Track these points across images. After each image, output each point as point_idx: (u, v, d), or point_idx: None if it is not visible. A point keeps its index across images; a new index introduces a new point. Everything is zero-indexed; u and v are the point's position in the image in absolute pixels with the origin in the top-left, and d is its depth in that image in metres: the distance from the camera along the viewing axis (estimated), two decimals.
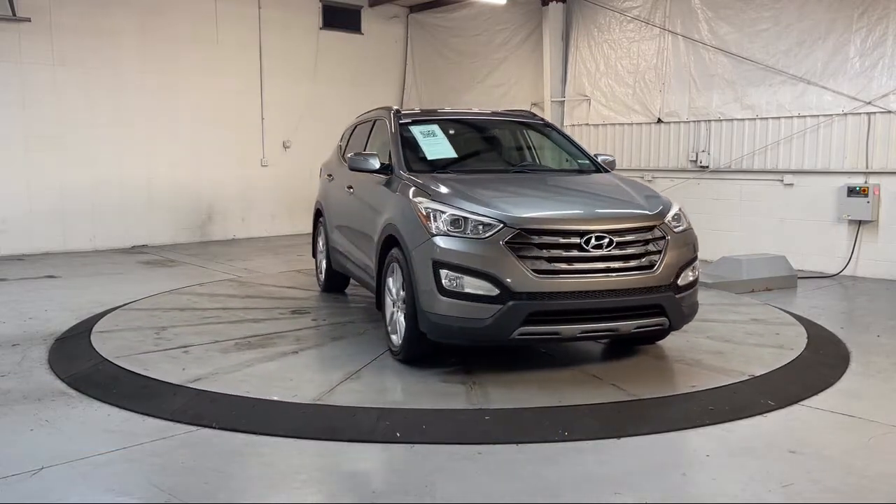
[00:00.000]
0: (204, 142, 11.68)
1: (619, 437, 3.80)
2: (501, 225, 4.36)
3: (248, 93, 12.18)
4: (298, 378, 4.59)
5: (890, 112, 8.38)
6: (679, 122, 10.28)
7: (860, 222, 8.65)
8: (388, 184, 5.39)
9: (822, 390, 4.54)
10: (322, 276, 7.45)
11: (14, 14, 9.76)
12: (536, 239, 4.36)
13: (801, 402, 4.32)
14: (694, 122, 10.11)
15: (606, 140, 11.16)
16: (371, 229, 5.47)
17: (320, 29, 12.97)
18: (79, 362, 5.03)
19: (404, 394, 4.46)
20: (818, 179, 9.00)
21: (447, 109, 7.04)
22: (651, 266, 4.52)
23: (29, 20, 9.92)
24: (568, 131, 11.56)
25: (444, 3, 13.28)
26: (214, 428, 3.87)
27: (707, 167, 9.99)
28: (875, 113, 8.49)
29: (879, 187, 8.50)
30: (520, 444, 3.70)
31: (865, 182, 8.59)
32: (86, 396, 4.38)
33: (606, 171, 5.92)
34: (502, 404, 4.20)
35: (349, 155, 5.72)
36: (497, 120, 6.56)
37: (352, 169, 5.68)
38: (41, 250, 10.29)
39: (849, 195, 8.62)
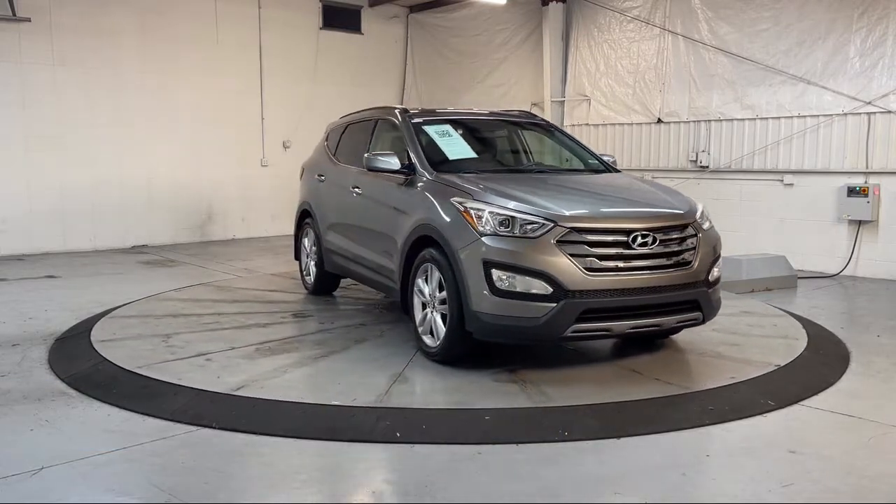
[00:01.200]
0: (204, 142, 11.68)
1: (619, 437, 3.80)
2: (552, 224, 4.42)
3: (248, 93, 12.18)
4: (346, 382, 4.53)
5: (890, 112, 8.38)
6: (679, 122, 10.28)
7: (860, 222, 8.66)
8: (409, 184, 5.34)
9: (822, 390, 4.54)
10: (310, 279, 7.29)
11: (14, 14, 9.76)
12: (586, 237, 4.44)
13: (801, 402, 4.32)
14: (694, 122, 10.11)
15: (606, 140, 11.16)
16: (392, 230, 5.42)
17: (320, 29, 12.97)
18: (79, 362, 5.03)
19: (464, 394, 4.37)
20: (818, 179, 9.00)
21: (449, 109, 6.98)
22: (688, 263, 4.68)
23: (29, 20, 9.92)
24: (568, 131, 11.58)
25: (444, 3, 13.28)
26: (214, 428, 3.87)
27: (707, 167, 9.99)
28: (875, 113, 8.49)
29: (879, 187, 8.50)
30: (520, 444, 3.70)
31: (865, 182, 8.59)
32: (86, 396, 4.37)
33: (617, 171, 6.06)
34: (563, 401, 4.24)
35: (367, 155, 5.60)
36: (503, 120, 6.56)
37: (369, 169, 5.59)
38: (41, 250, 10.28)
39: (849, 195, 8.62)
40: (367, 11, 13.45)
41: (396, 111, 6.13)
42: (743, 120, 9.61)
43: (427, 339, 5.00)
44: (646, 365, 4.97)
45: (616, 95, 11.02)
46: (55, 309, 6.71)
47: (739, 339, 5.62)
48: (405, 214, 5.27)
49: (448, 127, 5.92)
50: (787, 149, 9.26)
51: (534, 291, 4.35)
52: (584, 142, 11.04)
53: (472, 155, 5.86)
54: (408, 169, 5.42)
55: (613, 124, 11.09)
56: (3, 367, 4.97)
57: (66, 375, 4.75)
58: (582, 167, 6.13)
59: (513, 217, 4.48)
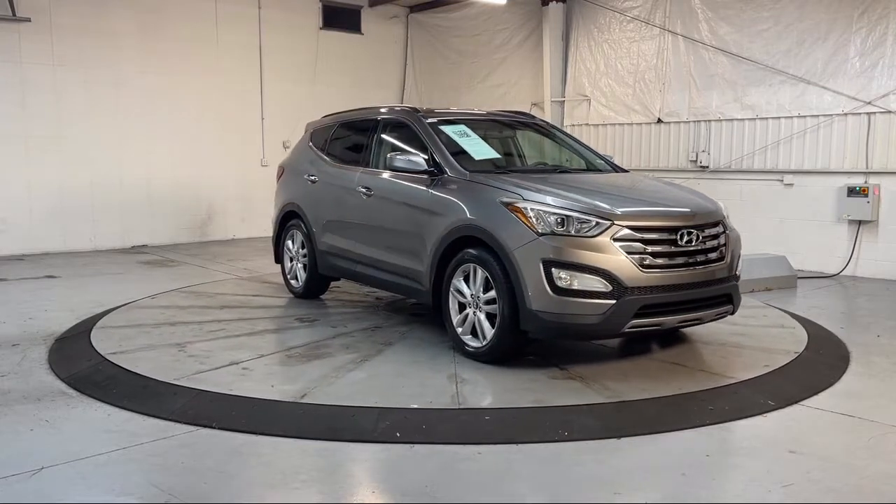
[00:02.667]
0: (204, 142, 11.68)
1: (619, 437, 3.80)
2: (609, 222, 4.53)
3: (248, 93, 12.18)
4: (408, 384, 4.50)
5: (890, 112, 8.38)
6: (679, 122, 10.28)
7: (860, 222, 8.66)
8: (439, 185, 5.30)
9: (822, 390, 4.54)
10: (297, 283, 7.08)
11: (14, 14, 9.77)
12: (640, 235, 4.57)
13: (801, 402, 4.33)
14: (694, 122, 10.11)
15: (606, 140, 11.16)
16: (418, 231, 5.37)
17: (320, 29, 12.97)
18: (79, 362, 5.02)
19: (535, 392, 4.35)
20: (818, 179, 9.00)
21: (453, 109, 6.93)
22: (722, 258, 4.94)
23: (29, 20, 9.93)
24: (568, 131, 11.59)
25: (444, 3, 13.28)
26: (214, 428, 3.87)
27: (707, 167, 9.99)
28: (875, 113, 8.49)
29: (879, 187, 8.50)
30: (519, 444, 3.70)
31: (865, 182, 8.59)
32: (86, 396, 4.37)
33: (626, 171, 6.26)
34: (631, 396, 4.30)
35: (390, 155, 5.53)
36: (509, 121, 6.56)
37: (391, 170, 5.56)
38: (41, 250, 10.29)
39: (849, 195, 8.62)
40: (367, 11, 13.45)
41: (409, 111, 6.07)
42: (743, 120, 9.61)
43: (469, 340, 4.99)
44: (676, 356, 4.99)
45: (616, 95, 11.02)
46: (55, 309, 6.71)
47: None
48: (437, 215, 5.21)
49: (464, 127, 5.92)
50: (787, 149, 9.26)
51: (594, 289, 4.44)
52: (584, 142, 11.08)
53: (496, 155, 5.88)
54: (436, 169, 5.39)
55: (613, 124, 11.09)
56: (3, 367, 4.97)
57: (66, 375, 4.75)
58: (593, 167, 6.19)
59: (568, 216, 4.55)
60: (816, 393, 4.49)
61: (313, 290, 7.02)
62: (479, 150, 5.73)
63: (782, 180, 9.32)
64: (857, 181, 8.65)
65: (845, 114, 8.72)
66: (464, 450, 3.64)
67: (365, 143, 6.37)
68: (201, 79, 11.60)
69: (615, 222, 4.53)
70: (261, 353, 5.16)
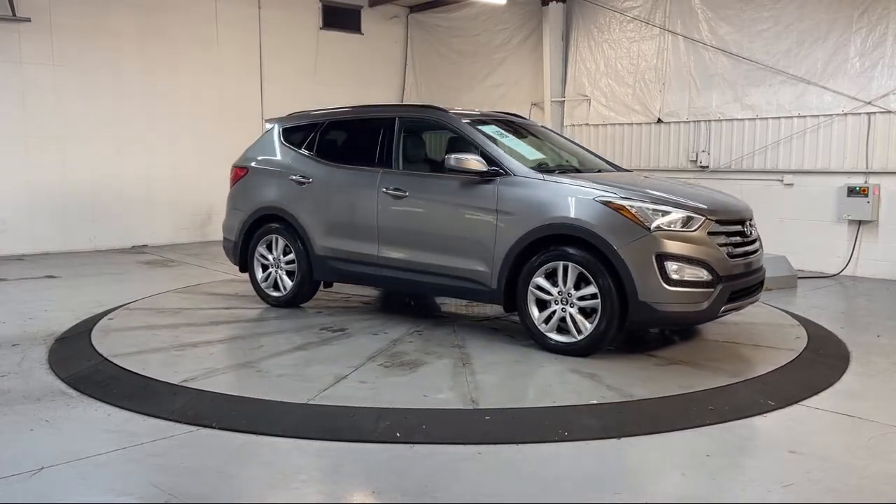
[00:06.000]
0: (204, 142, 11.67)
1: (619, 437, 3.80)
2: (703, 217, 4.94)
3: (248, 93, 12.18)
4: (521, 385, 4.64)
5: (890, 112, 8.38)
6: (679, 122, 10.28)
7: (860, 222, 8.66)
8: (505, 185, 5.31)
9: (822, 390, 4.54)
10: (281, 291, 6.59)
11: (14, 14, 9.77)
12: (724, 228, 5.07)
13: (801, 402, 4.33)
14: (694, 122, 10.11)
15: (606, 140, 11.16)
16: (485, 232, 5.34)
17: (320, 29, 12.97)
18: (79, 362, 5.02)
19: (658, 383, 4.53)
20: (818, 179, 9.00)
21: (458, 109, 6.85)
22: (761, 248, 5.52)
23: (29, 20, 9.93)
24: (568, 131, 11.59)
25: (444, 3, 13.28)
26: (214, 428, 3.87)
27: (707, 167, 9.99)
28: (875, 113, 8.49)
29: (879, 187, 8.51)
30: (520, 444, 3.70)
31: (865, 182, 8.60)
32: (86, 396, 4.37)
33: (630, 171, 6.73)
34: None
35: (448, 156, 5.46)
36: (505, 121, 6.53)
37: (451, 171, 5.47)
38: (41, 250, 10.28)
39: (849, 195, 8.63)
40: (367, 11, 13.45)
41: (439, 110, 6.03)
42: (743, 120, 9.62)
43: (556, 336, 5.13)
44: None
45: (616, 95, 11.02)
46: (55, 309, 6.71)
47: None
48: (511, 215, 5.24)
49: (496, 127, 5.98)
50: (787, 149, 9.26)
51: (699, 279, 4.85)
52: (584, 142, 11.09)
53: (542, 156, 6.00)
54: (498, 169, 5.39)
55: (613, 124, 11.09)
56: (3, 367, 4.97)
57: (66, 375, 4.75)
58: (610, 166, 6.41)
59: (668, 212, 4.91)
60: (816, 393, 4.49)
61: (302, 297, 6.62)
62: (525, 150, 5.84)
63: (782, 180, 9.32)
64: (857, 181, 8.65)
65: (845, 114, 8.72)
66: (464, 450, 3.64)
67: (380, 143, 6.12)
68: (201, 79, 11.60)
69: (708, 217, 4.96)
70: (351, 365, 4.89)
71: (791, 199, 9.24)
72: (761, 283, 5.45)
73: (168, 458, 3.51)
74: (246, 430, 3.84)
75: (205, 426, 3.89)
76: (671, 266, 4.78)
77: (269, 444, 3.69)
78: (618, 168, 6.42)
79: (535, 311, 5.21)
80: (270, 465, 3.46)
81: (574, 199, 5.07)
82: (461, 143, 5.76)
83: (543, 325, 5.17)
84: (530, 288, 5.19)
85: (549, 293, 5.13)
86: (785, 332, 5.89)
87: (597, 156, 6.54)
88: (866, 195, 8.50)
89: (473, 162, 5.40)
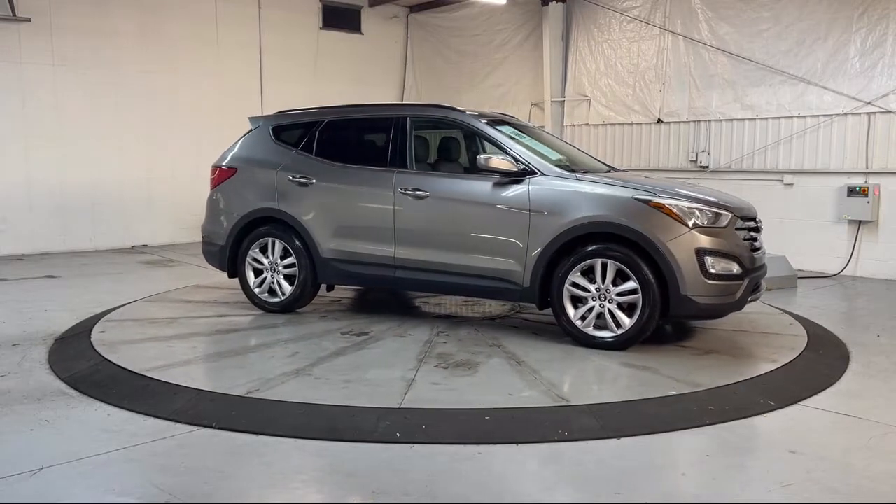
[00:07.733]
0: (204, 142, 11.65)
1: (619, 437, 3.80)
2: (731, 214, 5.17)
3: (248, 93, 12.18)
4: (597, 380, 4.75)
5: (890, 112, 8.38)
6: (679, 122, 10.28)
7: (860, 222, 8.66)
8: (537, 184, 5.35)
9: (822, 390, 4.54)
10: (279, 297, 6.35)
11: (14, 14, 9.77)
12: (745, 224, 5.31)
13: (801, 402, 4.32)
14: (694, 122, 10.12)
15: (606, 140, 11.16)
16: (517, 231, 5.36)
17: (320, 29, 12.97)
18: (79, 362, 5.02)
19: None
20: (818, 179, 9.00)
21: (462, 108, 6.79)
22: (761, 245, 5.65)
23: (29, 20, 9.93)
24: (568, 131, 11.60)
25: (444, 3, 13.28)
26: (214, 428, 3.87)
27: (707, 167, 9.99)
28: (875, 113, 8.49)
29: (879, 187, 8.51)
30: (519, 444, 3.70)
31: (865, 182, 8.60)
32: (86, 396, 4.37)
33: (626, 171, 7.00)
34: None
35: (481, 156, 5.48)
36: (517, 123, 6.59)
37: (483, 170, 5.48)
38: (41, 250, 10.29)
39: (849, 195, 8.63)
40: (367, 11, 13.46)
41: (455, 110, 6.01)
42: (743, 120, 9.62)
43: (596, 332, 5.23)
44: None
45: (616, 95, 11.02)
46: (55, 309, 6.71)
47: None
48: (545, 214, 5.29)
49: (510, 128, 6.01)
50: (787, 149, 9.27)
51: (732, 272, 5.08)
52: (584, 142, 11.10)
53: (560, 156, 6.05)
54: (528, 169, 5.43)
55: (613, 124, 11.09)
56: (3, 367, 4.97)
57: (66, 375, 4.75)
58: (601, 168, 6.42)
59: (702, 209, 5.10)
60: (816, 393, 4.49)
61: (301, 302, 6.39)
62: (545, 150, 5.89)
63: (782, 180, 9.32)
64: (857, 181, 8.65)
65: (845, 114, 8.72)
66: (464, 450, 3.64)
67: (390, 143, 6.00)
68: (201, 79, 11.61)
69: (735, 214, 5.19)
70: (409, 367, 4.82)
71: (791, 199, 9.24)
72: (764, 276, 5.65)
73: (168, 458, 3.51)
74: (246, 430, 3.82)
75: (205, 426, 3.88)
76: (709, 260, 4.98)
77: (269, 444, 3.67)
78: (613, 168, 6.47)
79: (570, 309, 5.29)
80: (270, 465, 3.45)
81: (613, 198, 5.20)
82: (480, 143, 5.81)
83: (580, 321, 5.25)
84: (566, 286, 5.25)
85: (585, 290, 5.21)
86: (785, 332, 5.89)
87: (590, 156, 6.58)
88: (866, 195, 8.50)
89: (504, 162, 5.44)
